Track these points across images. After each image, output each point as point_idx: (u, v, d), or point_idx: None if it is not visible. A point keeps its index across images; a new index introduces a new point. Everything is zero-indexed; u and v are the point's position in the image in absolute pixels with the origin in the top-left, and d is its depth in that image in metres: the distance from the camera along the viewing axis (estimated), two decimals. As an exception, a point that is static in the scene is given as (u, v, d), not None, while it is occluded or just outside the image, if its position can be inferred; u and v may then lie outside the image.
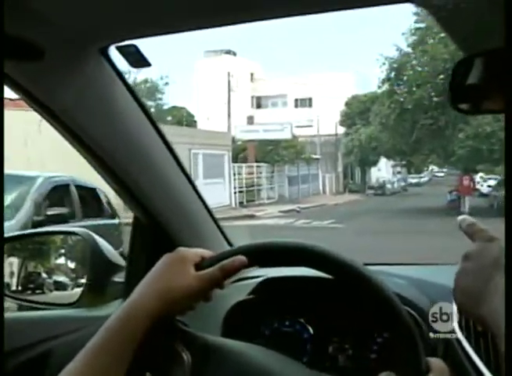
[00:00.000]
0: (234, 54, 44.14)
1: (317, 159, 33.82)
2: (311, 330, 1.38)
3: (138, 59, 1.19)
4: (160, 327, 0.89)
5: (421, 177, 49.05)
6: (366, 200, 30.63)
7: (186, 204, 1.53)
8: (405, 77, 24.39)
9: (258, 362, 0.92)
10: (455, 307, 1.26)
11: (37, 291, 1.70)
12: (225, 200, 23.32)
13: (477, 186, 24.89)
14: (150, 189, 1.41)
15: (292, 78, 41.02)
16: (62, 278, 1.72)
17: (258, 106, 45.21)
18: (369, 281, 0.92)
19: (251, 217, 20.48)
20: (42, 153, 15.13)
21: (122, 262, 1.58)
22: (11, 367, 1.32)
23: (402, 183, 41.76)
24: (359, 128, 33.91)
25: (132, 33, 1.04)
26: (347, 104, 36.19)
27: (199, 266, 0.92)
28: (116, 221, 8.17)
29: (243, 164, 27.27)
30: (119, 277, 1.56)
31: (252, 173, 27.40)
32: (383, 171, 40.77)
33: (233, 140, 28.25)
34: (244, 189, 25.93)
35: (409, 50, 25.01)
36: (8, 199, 6.42)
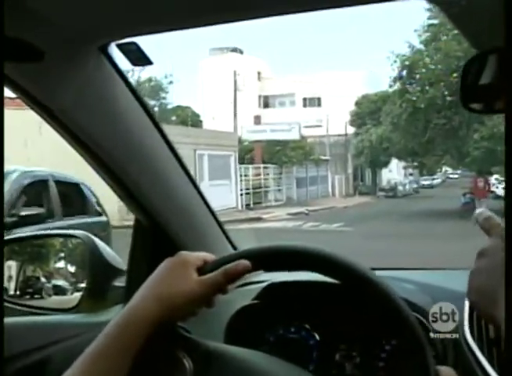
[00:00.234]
0: (241, 52, 44.18)
1: (326, 160, 33.78)
2: (317, 337, 1.38)
3: (139, 57, 1.19)
4: (161, 334, 0.89)
5: (434, 179, 48.88)
6: (377, 203, 30.58)
7: (189, 206, 1.53)
8: (417, 76, 24.33)
9: (262, 369, 0.92)
10: (466, 312, 1.26)
11: (36, 296, 1.71)
12: (231, 203, 23.32)
13: (492, 188, 24.77)
14: (152, 191, 1.41)
15: (300, 77, 40.98)
16: (61, 282, 1.72)
17: (265, 105, 45.21)
18: (376, 286, 0.92)
19: (258, 220, 20.48)
20: (43, 154, 15.18)
21: (123, 266, 1.58)
22: (9, 374, 1.33)
23: (414, 185, 41.65)
24: (370, 128, 33.82)
25: (133, 30, 1.05)
26: (357, 103, 36.12)
27: (201, 271, 0.92)
28: (103, 219, 7.82)
29: (250, 166, 27.28)
30: (119, 282, 1.56)
31: (259, 174, 27.40)
32: (394, 172, 40.66)
33: (240, 141, 28.26)
34: (251, 191, 25.92)
35: (422, 47, 24.96)
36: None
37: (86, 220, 7.32)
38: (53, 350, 1.40)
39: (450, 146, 25.14)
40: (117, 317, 0.89)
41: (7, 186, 6.28)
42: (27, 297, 1.70)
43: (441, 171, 50.91)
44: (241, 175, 25.74)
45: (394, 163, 38.38)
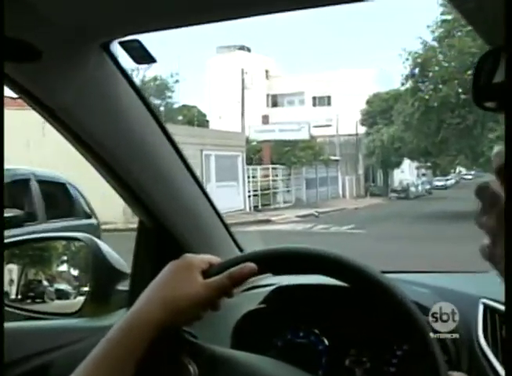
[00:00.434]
0: (248, 50, 44.24)
1: (336, 160, 33.76)
2: (326, 342, 1.37)
3: (142, 55, 1.19)
4: (165, 338, 0.89)
5: (447, 179, 48.70)
6: (389, 204, 30.51)
7: (194, 208, 1.53)
8: (430, 73, 24.28)
9: (269, 375, 0.92)
10: (480, 316, 1.26)
11: (38, 300, 1.71)
12: (238, 205, 23.35)
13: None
14: (156, 192, 1.41)
15: (309, 75, 41.01)
16: (64, 286, 1.73)
17: (274, 104, 45.26)
18: (387, 289, 0.92)
19: (266, 222, 20.47)
20: (46, 155, 15.23)
21: (127, 269, 1.58)
22: (11, 380, 1.33)
23: (427, 186, 41.52)
24: (381, 127, 33.77)
25: (135, 27, 1.05)
26: (368, 102, 36.08)
27: (206, 274, 0.92)
28: (92, 221, 7.48)
29: (258, 166, 27.29)
30: (123, 285, 1.56)
31: (267, 175, 27.41)
32: (406, 173, 40.56)
33: (247, 141, 28.28)
34: (259, 192, 25.94)
35: (435, 44, 24.92)
36: None
37: (73, 223, 6.94)
38: (56, 355, 1.40)
39: (464, 146, 25.04)
40: (120, 321, 0.89)
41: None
42: (29, 301, 1.71)
43: (454, 172, 50.68)
44: (249, 176, 25.75)
45: (407, 163, 38.28)
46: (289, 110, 42.81)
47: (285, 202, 27.79)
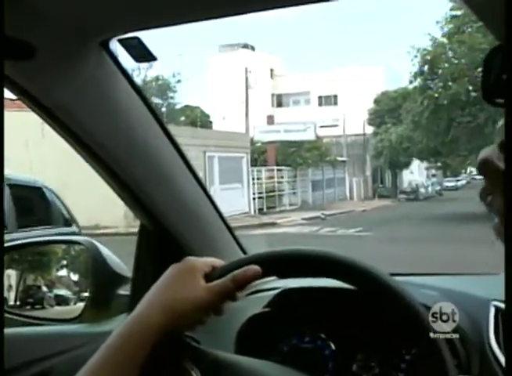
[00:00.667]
0: (252, 48, 44.29)
1: (343, 161, 33.75)
2: (333, 347, 1.37)
3: (142, 53, 1.19)
4: (167, 343, 0.89)
5: (458, 180, 48.59)
6: (397, 206, 30.47)
7: (197, 210, 1.53)
8: (439, 71, 24.25)
9: None
10: (492, 319, 1.26)
11: (37, 306, 1.71)
12: (243, 207, 23.35)
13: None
14: (158, 194, 1.42)
15: (315, 74, 41.00)
16: (63, 292, 1.73)
17: (279, 104, 45.29)
18: (395, 292, 0.92)
19: (272, 225, 20.48)
20: (45, 157, 15.31)
21: (127, 273, 1.58)
22: (9, 387, 1.33)
23: (437, 187, 41.42)
24: (389, 127, 33.75)
25: (135, 25, 1.05)
26: (375, 101, 36.08)
27: (209, 277, 0.92)
28: (72, 229, 7.02)
29: (263, 168, 27.29)
30: (124, 290, 1.56)
31: (272, 177, 27.40)
32: (415, 174, 40.53)
33: (252, 142, 28.29)
34: (264, 194, 25.93)
35: (444, 40, 24.85)
36: None
37: (49, 231, 6.37)
38: (55, 361, 1.41)
39: (475, 146, 24.90)
40: (120, 327, 0.89)
41: None
42: (28, 307, 1.71)
43: (465, 173, 50.59)
44: (253, 178, 25.75)
45: (416, 164, 38.25)
46: (294, 109, 42.84)
47: (291, 204, 27.78)
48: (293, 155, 29.10)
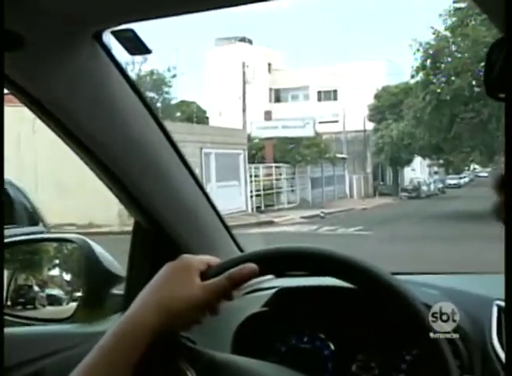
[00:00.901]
0: (250, 42, 44.21)
1: (343, 158, 33.73)
2: (332, 347, 1.38)
3: (136, 46, 1.19)
4: (162, 343, 0.89)
5: (461, 177, 48.63)
6: (399, 204, 30.48)
7: (192, 207, 1.53)
8: (442, 65, 24.23)
9: None
10: (494, 319, 1.26)
11: (29, 306, 1.71)
12: (240, 205, 23.33)
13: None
14: (152, 191, 1.42)
15: (314, 68, 40.95)
16: (55, 291, 1.73)
17: (277, 99, 45.23)
18: (397, 291, 0.92)
19: (270, 223, 20.47)
20: (36, 153, 15.29)
21: (122, 272, 1.58)
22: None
23: (440, 185, 41.43)
24: (391, 123, 33.74)
25: (129, 16, 1.05)
26: (376, 97, 36.05)
27: (205, 275, 0.92)
28: (38, 229, 6.82)
29: (261, 165, 27.27)
30: (118, 289, 1.56)
31: (270, 174, 27.38)
32: (417, 171, 40.55)
33: (249, 138, 28.26)
34: (262, 192, 25.90)
35: (447, 34, 24.83)
36: None
37: (10, 232, 6.16)
38: (47, 362, 1.41)
39: (479, 142, 24.97)
40: (114, 326, 0.89)
41: None
42: (19, 307, 1.70)
43: (468, 170, 50.58)
44: (251, 176, 25.72)
45: (418, 161, 38.25)
46: (293, 105, 42.77)
47: (289, 202, 27.76)
48: (292, 152, 29.06)
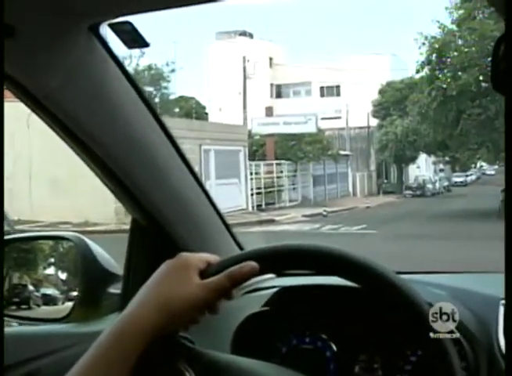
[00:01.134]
0: (250, 36, 44.19)
1: (346, 155, 33.73)
2: (334, 348, 1.38)
3: (134, 38, 1.19)
4: (160, 343, 0.89)
5: (468, 175, 48.65)
6: (403, 203, 30.49)
7: (192, 204, 1.53)
8: (448, 60, 24.18)
9: None
10: (501, 318, 1.26)
11: (23, 306, 1.71)
12: (240, 204, 23.33)
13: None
14: (150, 188, 1.42)
15: (317, 63, 40.91)
16: (51, 291, 1.73)
17: (278, 95, 45.24)
18: (401, 291, 0.92)
19: (271, 222, 20.48)
20: (30, 150, 15.28)
21: (119, 271, 1.59)
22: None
23: (445, 183, 41.48)
24: (395, 119, 33.77)
25: (126, 8, 1.05)
26: (380, 92, 36.07)
27: (204, 274, 0.92)
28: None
29: (261, 162, 27.26)
30: (115, 288, 1.57)
31: (271, 172, 27.37)
32: (422, 168, 40.56)
33: (250, 134, 28.24)
34: (263, 190, 25.90)
35: (454, 27, 24.79)
36: None
37: None
38: (42, 363, 1.41)
39: (486, 139, 24.94)
40: (111, 326, 0.89)
41: None
42: (14, 307, 1.70)
43: (475, 167, 50.64)
44: (251, 173, 25.72)
45: (423, 158, 38.28)
46: (294, 101, 42.80)
47: (291, 201, 27.76)
48: (294, 149, 29.04)
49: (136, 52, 31.02)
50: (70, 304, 1.61)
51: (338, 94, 42.58)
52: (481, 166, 51.69)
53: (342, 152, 32.97)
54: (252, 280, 0.98)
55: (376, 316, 1.26)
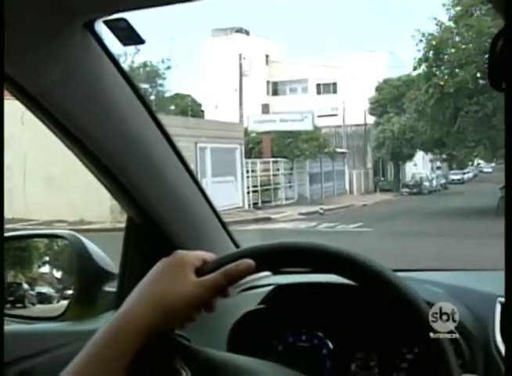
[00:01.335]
0: (247, 33, 44.16)
1: (343, 153, 33.75)
2: (330, 345, 1.38)
3: (129, 35, 1.19)
4: (156, 341, 0.89)
5: (465, 173, 48.73)
6: (400, 200, 30.53)
7: (187, 202, 1.53)
8: (445, 57, 24.19)
9: None
10: (498, 316, 1.27)
11: (18, 305, 1.71)
12: (236, 202, 23.33)
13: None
14: (146, 186, 1.42)
15: (314, 60, 40.89)
16: (46, 289, 1.73)
17: (275, 92, 45.21)
18: (398, 289, 0.92)
19: (267, 220, 20.49)
20: (25, 148, 15.24)
21: (114, 269, 1.59)
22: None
23: (442, 180, 41.53)
24: (392, 116, 33.79)
25: (121, 5, 1.05)
26: (377, 89, 36.07)
27: (200, 271, 0.92)
28: None
29: (258, 160, 27.26)
30: (110, 286, 1.57)
31: (268, 170, 27.38)
32: (419, 166, 40.59)
33: (246, 132, 28.25)
34: (259, 188, 25.91)
35: (451, 24, 24.78)
36: None
37: None
38: (37, 361, 1.41)
39: (483, 136, 24.95)
40: (106, 324, 0.89)
41: None
42: (8, 306, 1.70)
43: (472, 165, 50.72)
44: (248, 171, 25.71)
45: (420, 156, 38.31)
46: (291, 98, 42.78)
47: (287, 199, 27.77)
48: (290, 146, 29.05)
49: (131, 48, 31.05)
50: (65, 302, 1.61)
51: (335, 91, 42.58)
52: (479, 164, 51.80)
53: (339, 150, 32.99)
54: (248, 278, 0.98)
55: (373, 313, 1.27)
